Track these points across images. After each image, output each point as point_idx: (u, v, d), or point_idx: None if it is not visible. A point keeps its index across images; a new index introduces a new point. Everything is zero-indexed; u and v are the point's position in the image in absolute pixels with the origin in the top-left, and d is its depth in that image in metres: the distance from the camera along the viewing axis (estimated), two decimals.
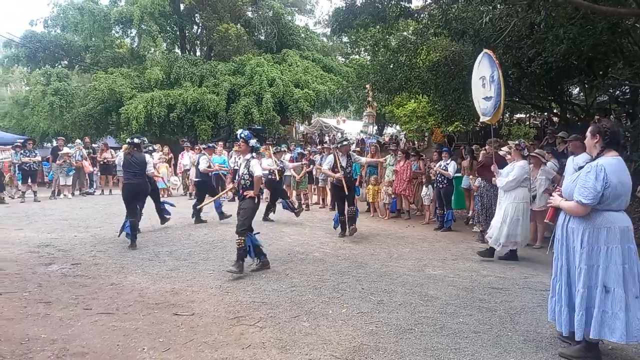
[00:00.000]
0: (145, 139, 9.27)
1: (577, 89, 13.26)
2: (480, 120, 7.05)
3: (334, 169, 8.22)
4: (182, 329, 4.07)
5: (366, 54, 26.12)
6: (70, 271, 5.90)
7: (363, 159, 9.47)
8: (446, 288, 5.31)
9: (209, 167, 10.21)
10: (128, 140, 8.16)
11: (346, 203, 8.18)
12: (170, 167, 15.53)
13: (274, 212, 10.19)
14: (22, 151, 13.32)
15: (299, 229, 9.10)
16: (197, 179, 10.48)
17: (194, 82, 19.46)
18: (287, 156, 13.03)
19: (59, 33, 21.79)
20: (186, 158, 14.84)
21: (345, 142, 8.68)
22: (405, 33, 16.42)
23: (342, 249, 7.46)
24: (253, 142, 6.12)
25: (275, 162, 9.94)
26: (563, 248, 3.61)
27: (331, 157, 8.45)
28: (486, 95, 6.52)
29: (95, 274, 5.80)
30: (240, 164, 6.24)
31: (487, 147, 8.97)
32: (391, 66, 11.90)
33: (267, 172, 9.20)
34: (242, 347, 3.70)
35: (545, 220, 4.91)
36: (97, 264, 6.25)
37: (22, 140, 14.56)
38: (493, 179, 6.89)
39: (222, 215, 9.64)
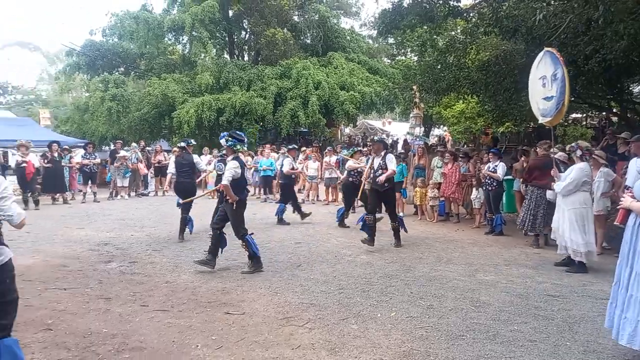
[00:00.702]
0: (192, 140, 9.56)
1: (639, 87, 12.53)
2: (540, 121, 6.78)
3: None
4: (234, 327, 4.17)
5: (413, 54, 25.78)
6: (127, 269, 6.18)
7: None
8: (499, 294, 5.16)
9: (293, 168, 10.54)
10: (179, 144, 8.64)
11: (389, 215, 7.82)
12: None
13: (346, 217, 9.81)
14: (82, 154, 14.10)
15: (345, 231, 9.10)
16: (281, 181, 10.83)
17: (242, 87, 19.92)
18: (334, 158, 13.10)
19: (116, 41, 22.88)
20: None
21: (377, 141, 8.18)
22: (453, 33, 16.06)
23: (390, 252, 7.40)
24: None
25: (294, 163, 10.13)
26: (631, 252, 3.42)
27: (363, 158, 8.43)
28: (547, 95, 6.28)
29: (151, 272, 6.04)
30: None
31: (537, 149, 8.62)
32: (439, 67, 11.69)
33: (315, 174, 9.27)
34: (292, 347, 3.75)
35: (615, 223, 4.67)
36: (153, 263, 6.51)
37: (82, 144, 15.40)
38: (552, 183, 6.60)
39: (302, 215, 9.93)
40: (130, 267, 6.28)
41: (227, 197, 5.97)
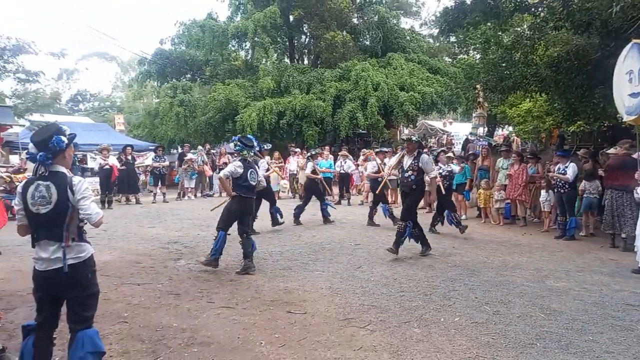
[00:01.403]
0: (265, 145, 9.86)
1: None
2: (624, 119, 6.36)
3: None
4: (296, 326, 4.25)
5: (475, 52, 24.98)
6: (195, 266, 6.45)
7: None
8: (571, 302, 4.89)
9: (377, 171, 10.72)
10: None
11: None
12: (280, 171, 16.27)
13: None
14: (153, 157, 14.92)
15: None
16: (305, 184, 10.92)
17: (302, 90, 20.21)
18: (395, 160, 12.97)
19: (184, 49, 23.98)
20: (293, 163, 15.45)
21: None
22: (519, 29, 15.42)
23: (452, 255, 7.22)
24: (232, 145, 6.59)
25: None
26: None
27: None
28: (634, 91, 5.89)
29: (216, 270, 6.26)
30: None
31: (617, 148, 8.04)
32: (504, 64, 11.27)
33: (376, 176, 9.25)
34: (354, 348, 3.76)
35: None
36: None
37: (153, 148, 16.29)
38: (638, 187, 6.17)
39: (394, 220, 9.48)
40: (197, 264, 6.54)
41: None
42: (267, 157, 11.97)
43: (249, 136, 6.94)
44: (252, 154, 6.75)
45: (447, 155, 10.22)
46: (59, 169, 2.98)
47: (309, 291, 5.30)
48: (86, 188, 3.01)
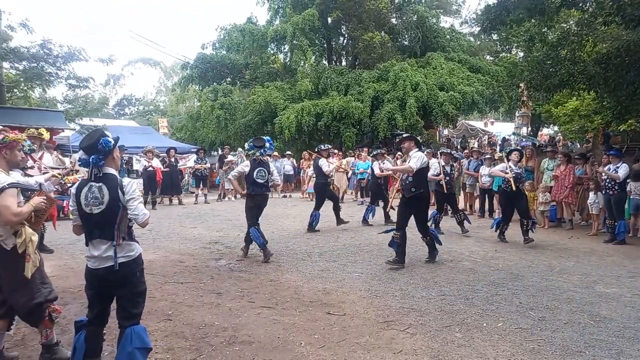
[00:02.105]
0: (322, 146, 10.13)
1: None
2: None
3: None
4: (335, 328, 4.26)
5: (518, 50, 24.27)
6: (235, 266, 6.58)
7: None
8: (622, 309, 4.68)
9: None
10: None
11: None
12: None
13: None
14: (195, 159, 15.31)
15: (444, 237, 8.81)
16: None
17: (339, 91, 20.21)
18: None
19: (224, 54, 24.47)
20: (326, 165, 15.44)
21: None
22: (565, 25, 14.89)
23: (495, 258, 7.04)
24: (246, 145, 7.27)
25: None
26: None
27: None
28: None
29: (257, 270, 6.38)
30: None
31: None
32: (549, 62, 10.93)
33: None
34: (394, 352, 3.73)
35: None
36: (258, 261, 6.86)
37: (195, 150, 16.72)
38: None
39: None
40: (238, 265, 6.68)
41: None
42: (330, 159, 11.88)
43: (263, 137, 7.35)
44: (258, 154, 7.10)
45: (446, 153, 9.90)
46: (109, 170, 3.13)
47: (348, 293, 5.30)
48: (135, 189, 3.15)
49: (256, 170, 6.92)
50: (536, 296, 5.13)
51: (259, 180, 6.91)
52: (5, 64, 14.97)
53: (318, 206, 9.41)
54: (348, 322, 4.39)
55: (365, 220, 10.12)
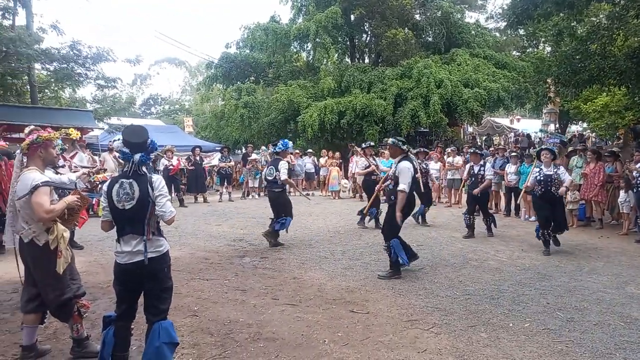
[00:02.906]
0: (364, 143, 10.17)
1: None
2: None
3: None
4: (359, 326, 4.26)
5: (546, 45, 23.73)
6: (259, 264, 6.64)
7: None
8: None
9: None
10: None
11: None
12: (340, 170, 16.32)
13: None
14: (219, 157, 15.49)
15: (473, 239, 8.71)
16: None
17: (362, 89, 20.14)
18: (459, 159, 12.64)
19: (248, 53, 24.67)
20: (355, 162, 15.39)
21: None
22: (595, 19, 14.50)
23: (521, 258, 6.92)
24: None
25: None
26: None
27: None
28: None
29: (280, 267, 6.42)
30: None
31: None
32: (578, 57, 10.67)
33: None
34: (418, 351, 3.71)
35: None
36: (281, 259, 6.91)
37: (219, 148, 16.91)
38: None
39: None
40: (262, 262, 6.73)
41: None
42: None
43: (282, 140, 8.05)
44: (267, 153, 7.50)
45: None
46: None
47: (371, 291, 5.29)
48: (163, 186, 3.25)
49: (267, 169, 7.91)
50: (564, 297, 5.02)
51: (269, 178, 7.75)
52: (37, 65, 15.40)
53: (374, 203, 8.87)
54: (371, 320, 4.39)
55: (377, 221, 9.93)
